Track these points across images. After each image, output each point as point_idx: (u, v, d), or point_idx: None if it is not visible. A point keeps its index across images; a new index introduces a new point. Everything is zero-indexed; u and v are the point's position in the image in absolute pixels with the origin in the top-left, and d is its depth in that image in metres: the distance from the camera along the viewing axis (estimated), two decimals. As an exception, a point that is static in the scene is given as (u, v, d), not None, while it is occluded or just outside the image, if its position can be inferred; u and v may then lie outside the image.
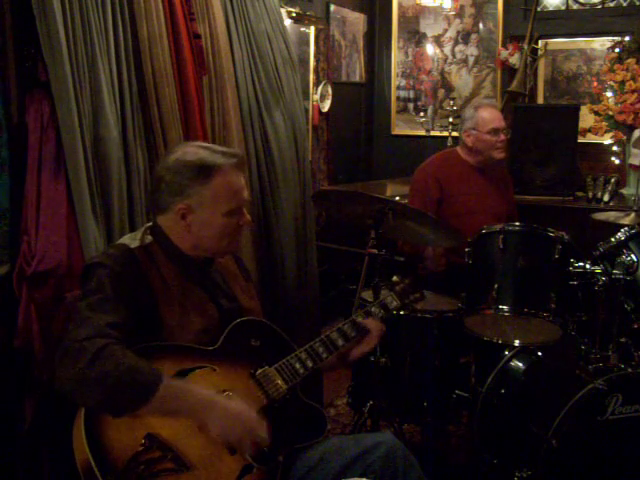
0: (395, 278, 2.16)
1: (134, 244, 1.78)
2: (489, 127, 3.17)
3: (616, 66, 3.94)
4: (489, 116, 3.19)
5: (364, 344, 1.98)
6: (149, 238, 1.81)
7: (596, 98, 4.22)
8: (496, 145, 3.18)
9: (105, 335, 1.55)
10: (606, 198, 3.85)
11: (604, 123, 4.00)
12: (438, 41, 5.21)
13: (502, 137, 3.19)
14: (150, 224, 1.87)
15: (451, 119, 4.61)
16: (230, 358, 1.75)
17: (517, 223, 2.60)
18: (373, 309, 2.06)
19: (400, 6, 5.29)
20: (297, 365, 1.81)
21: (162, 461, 1.53)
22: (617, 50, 4.03)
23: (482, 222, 2.75)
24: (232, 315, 1.86)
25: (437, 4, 4.98)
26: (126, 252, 1.75)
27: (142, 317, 1.68)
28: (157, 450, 1.53)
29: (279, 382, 1.77)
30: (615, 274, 2.33)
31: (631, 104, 3.80)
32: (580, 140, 4.09)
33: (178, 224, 1.79)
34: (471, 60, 5.11)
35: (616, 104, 3.90)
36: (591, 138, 4.22)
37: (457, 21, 5.11)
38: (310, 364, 1.83)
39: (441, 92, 5.25)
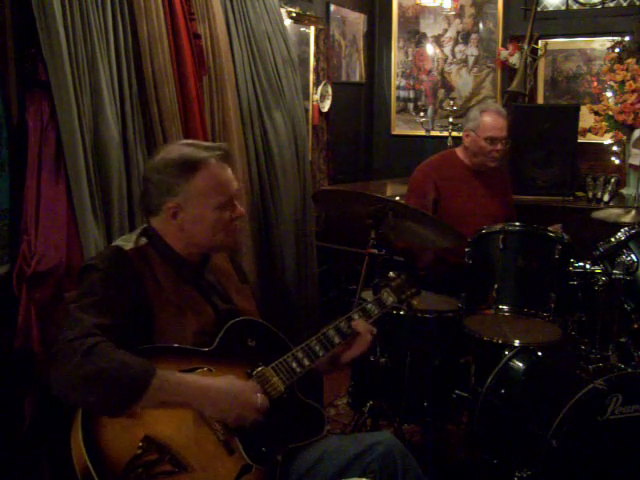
0: (391, 274, 2.16)
1: (128, 246, 1.77)
2: (487, 134, 3.13)
3: (616, 66, 3.94)
4: (491, 123, 3.14)
5: (355, 347, 1.96)
6: (143, 240, 1.80)
7: (596, 98, 4.22)
8: (491, 154, 3.15)
9: (95, 335, 1.55)
10: (606, 198, 3.86)
11: (604, 123, 4.00)
12: (438, 41, 5.21)
13: (499, 147, 3.14)
14: (145, 226, 1.86)
15: (451, 119, 4.60)
16: (226, 359, 1.75)
17: (517, 223, 2.59)
18: (369, 306, 2.04)
19: (400, 6, 5.29)
20: (294, 364, 1.81)
21: (160, 463, 1.52)
22: (617, 50, 4.03)
23: (478, 224, 2.73)
24: (228, 316, 1.85)
25: (437, 4, 4.98)
26: (119, 254, 1.74)
27: (136, 319, 1.67)
28: (155, 452, 1.53)
29: (276, 381, 1.76)
30: (615, 274, 2.33)
31: (631, 104, 3.80)
32: (580, 140, 4.09)
33: (170, 224, 1.79)
34: (471, 60, 5.11)
35: (616, 104, 3.90)
36: (591, 138, 4.22)
37: (457, 21, 5.11)
38: (307, 362, 1.82)
39: (441, 92, 5.24)
